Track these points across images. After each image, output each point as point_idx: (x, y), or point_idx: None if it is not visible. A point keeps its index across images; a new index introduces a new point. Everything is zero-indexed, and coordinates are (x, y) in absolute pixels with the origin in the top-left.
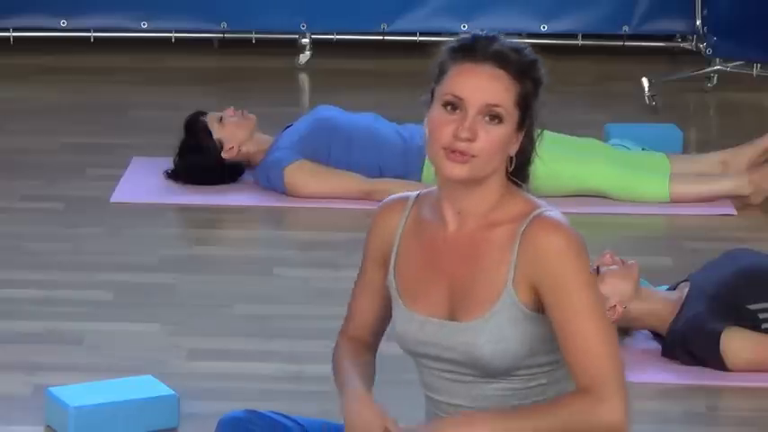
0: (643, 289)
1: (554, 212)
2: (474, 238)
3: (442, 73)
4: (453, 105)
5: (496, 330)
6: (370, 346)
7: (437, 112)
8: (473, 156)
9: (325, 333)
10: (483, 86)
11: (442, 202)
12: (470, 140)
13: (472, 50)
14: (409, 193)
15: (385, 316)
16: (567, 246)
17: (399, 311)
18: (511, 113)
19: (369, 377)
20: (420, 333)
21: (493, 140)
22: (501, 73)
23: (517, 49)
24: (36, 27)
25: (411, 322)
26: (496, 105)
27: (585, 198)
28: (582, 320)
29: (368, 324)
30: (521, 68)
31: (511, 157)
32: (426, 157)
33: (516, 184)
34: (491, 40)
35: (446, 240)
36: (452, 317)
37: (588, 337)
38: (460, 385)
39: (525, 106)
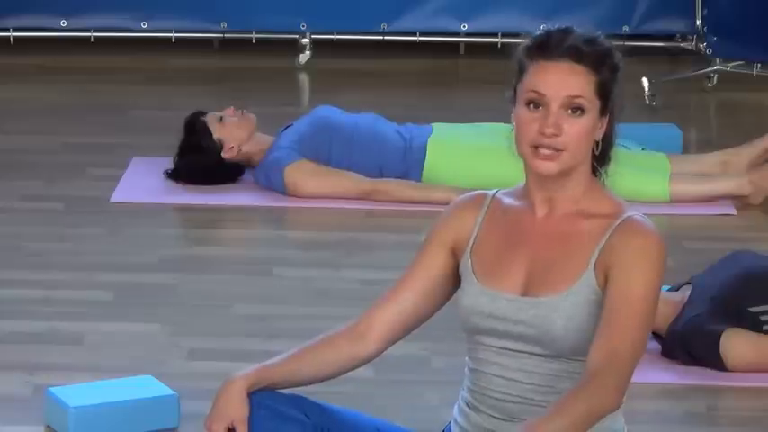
0: None
1: (646, 218)
2: (564, 223)
3: (521, 72)
4: (536, 103)
5: (571, 309)
6: (367, 337)
7: (521, 110)
8: (561, 150)
9: None
10: (562, 81)
11: (531, 191)
12: (556, 135)
13: (547, 48)
14: (486, 191)
15: (417, 308)
16: (650, 245)
17: (470, 286)
18: (592, 103)
19: (302, 360)
20: (490, 306)
21: (578, 132)
22: (578, 67)
23: (590, 41)
24: (36, 27)
25: (482, 296)
26: (578, 96)
27: None
28: (627, 304)
29: (398, 311)
30: (596, 59)
31: (597, 142)
32: (426, 158)
33: (597, 168)
34: (564, 34)
35: (534, 223)
36: (526, 293)
37: (623, 320)
38: (518, 361)
39: (605, 93)
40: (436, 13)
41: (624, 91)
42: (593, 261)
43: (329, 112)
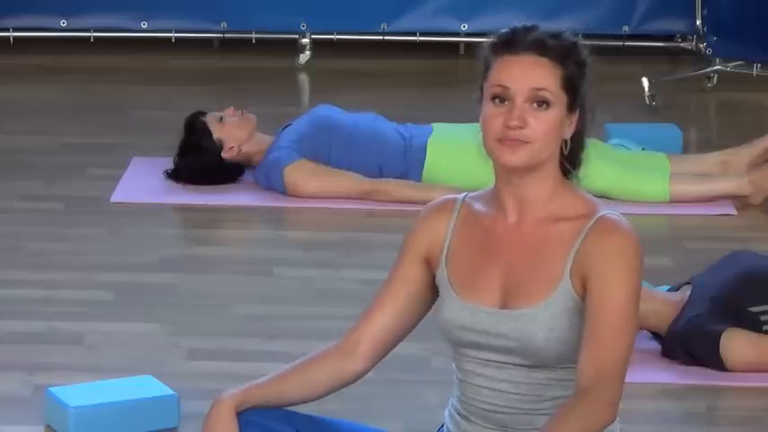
0: (643, 289)
1: (620, 216)
2: (536, 229)
3: (486, 69)
4: (501, 98)
5: (550, 319)
6: (355, 354)
7: (487, 106)
8: (526, 143)
9: (325, 333)
10: (527, 74)
11: (501, 195)
12: (521, 128)
13: (512, 43)
14: (456, 195)
15: (399, 322)
16: (626, 245)
17: (450, 301)
18: (558, 96)
19: (291, 380)
20: (470, 320)
21: (544, 125)
22: (543, 60)
23: (555, 35)
24: (36, 27)
25: (462, 311)
26: (542, 89)
27: None
28: (610, 312)
29: (381, 326)
30: (561, 52)
31: (566, 141)
32: (426, 158)
33: (569, 170)
34: (529, 30)
35: (506, 229)
36: (505, 305)
37: (608, 329)
38: (504, 372)
39: (572, 88)
40: (436, 13)
41: (594, 89)
42: (568, 268)
43: (329, 111)
